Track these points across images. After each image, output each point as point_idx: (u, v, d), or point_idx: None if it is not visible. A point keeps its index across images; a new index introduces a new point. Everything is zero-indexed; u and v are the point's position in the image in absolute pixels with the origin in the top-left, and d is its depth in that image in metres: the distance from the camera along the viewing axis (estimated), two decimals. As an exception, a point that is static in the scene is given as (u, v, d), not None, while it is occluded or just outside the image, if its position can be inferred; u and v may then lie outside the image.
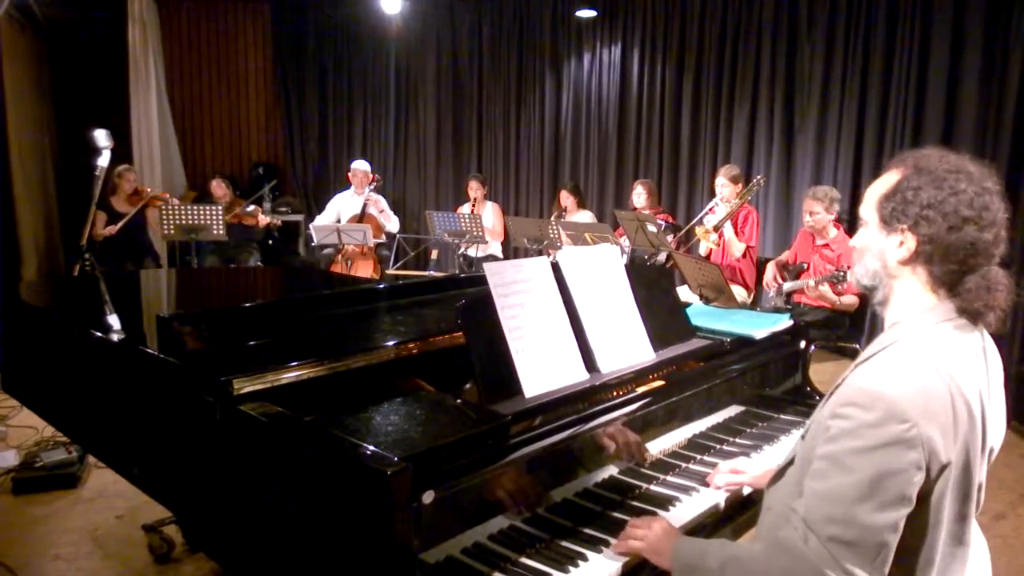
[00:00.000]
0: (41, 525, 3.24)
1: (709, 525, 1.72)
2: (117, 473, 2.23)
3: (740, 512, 1.79)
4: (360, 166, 7.25)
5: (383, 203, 7.20)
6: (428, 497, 1.30)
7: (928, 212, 1.29)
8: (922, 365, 1.27)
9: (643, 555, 1.49)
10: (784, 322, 2.37)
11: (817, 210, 4.66)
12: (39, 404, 2.73)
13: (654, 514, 1.63)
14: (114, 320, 2.60)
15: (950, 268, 1.30)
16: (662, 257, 5.68)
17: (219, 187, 7.22)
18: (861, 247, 1.42)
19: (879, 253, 1.37)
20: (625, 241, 5.71)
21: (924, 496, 1.26)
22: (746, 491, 1.80)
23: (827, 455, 1.26)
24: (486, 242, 6.56)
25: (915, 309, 1.35)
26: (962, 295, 1.31)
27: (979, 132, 4.98)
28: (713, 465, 1.89)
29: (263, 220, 7.09)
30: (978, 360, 1.34)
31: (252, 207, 7.13)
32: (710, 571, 1.35)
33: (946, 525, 1.31)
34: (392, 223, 7.13)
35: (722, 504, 1.76)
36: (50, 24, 7.24)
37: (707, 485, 1.81)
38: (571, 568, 1.45)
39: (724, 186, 5.51)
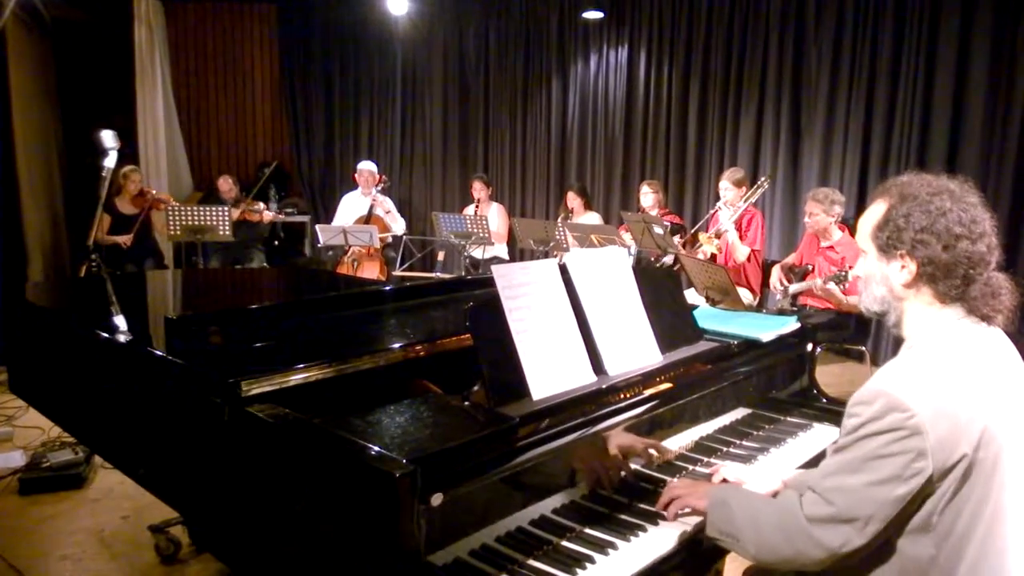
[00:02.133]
0: (47, 525, 3.25)
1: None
2: (123, 474, 2.23)
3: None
4: (366, 166, 7.25)
5: (389, 204, 7.20)
6: (436, 499, 1.30)
7: (922, 236, 1.37)
8: (928, 360, 1.35)
9: (685, 502, 1.59)
10: (791, 324, 2.36)
11: (816, 212, 4.63)
12: (46, 405, 2.73)
13: (660, 516, 1.63)
14: (121, 321, 2.60)
15: (953, 283, 1.38)
16: (669, 259, 5.66)
17: (225, 182, 7.26)
18: (866, 275, 1.49)
19: (883, 279, 1.45)
20: (630, 240, 5.69)
21: (931, 495, 1.28)
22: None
23: (837, 446, 1.38)
24: (492, 244, 6.55)
25: (927, 322, 1.41)
26: (968, 303, 1.38)
27: (986, 132, 4.97)
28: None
29: (267, 216, 7.09)
30: (1000, 353, 1.40)
31: (259, 204, 7.14)
32: (731, 508, 1.49)
33: (980, 543, 1.30)
34: (398, 225, 7.12)
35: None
36: (56, 25, 7.25)
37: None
38: (578, 570, 1.44)
39: (728, 189, 5.46)
